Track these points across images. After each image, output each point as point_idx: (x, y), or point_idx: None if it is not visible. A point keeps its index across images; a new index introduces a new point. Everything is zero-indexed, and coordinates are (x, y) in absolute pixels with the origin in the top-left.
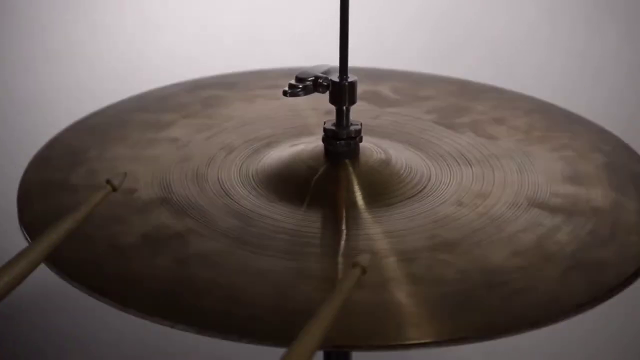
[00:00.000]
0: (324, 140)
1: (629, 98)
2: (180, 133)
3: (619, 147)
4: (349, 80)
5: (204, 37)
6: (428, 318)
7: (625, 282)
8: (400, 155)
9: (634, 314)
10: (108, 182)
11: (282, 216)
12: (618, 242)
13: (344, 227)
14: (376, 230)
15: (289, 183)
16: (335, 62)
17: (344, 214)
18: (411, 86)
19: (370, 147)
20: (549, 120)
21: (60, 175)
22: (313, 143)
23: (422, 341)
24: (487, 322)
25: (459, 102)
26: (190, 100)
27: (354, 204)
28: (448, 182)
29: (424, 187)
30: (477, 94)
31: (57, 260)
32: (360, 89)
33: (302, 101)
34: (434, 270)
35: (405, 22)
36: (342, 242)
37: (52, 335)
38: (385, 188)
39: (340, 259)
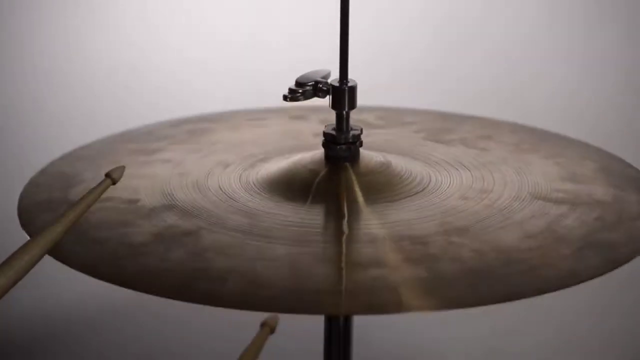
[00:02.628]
0: (324, 145)
1: (629, 98)
2: (172, 155)
3: (608, 159)
4: (349, 84)
5: (201, 39)
6: (448, 289)
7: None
8: (399, 161)
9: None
10: (107, 175)
11: (288, 212)
12: (625, 226)
13: (345, 219)
14: (385, 220)
15: (290, 186)
16: (334, 65)
17: (345, 208)
18: (394, 115)
19: (370, 152)
20: (535, 137)
21: (59, 194)
22: (312, 150)
23: (442, 308)
24: (509, 292)
25: (444, 125)
26: (175, 133)
27: (355, 200)
28: (449, 182)
29: (426, 187)
30: (459, 120)
31: (71, 259)
32: None
33: (289, 125)
34: (449, 251)
35: (405, 23)
36: (346, 232)
37: (59, 337)
38: (387, 187)
39: (344, 246)
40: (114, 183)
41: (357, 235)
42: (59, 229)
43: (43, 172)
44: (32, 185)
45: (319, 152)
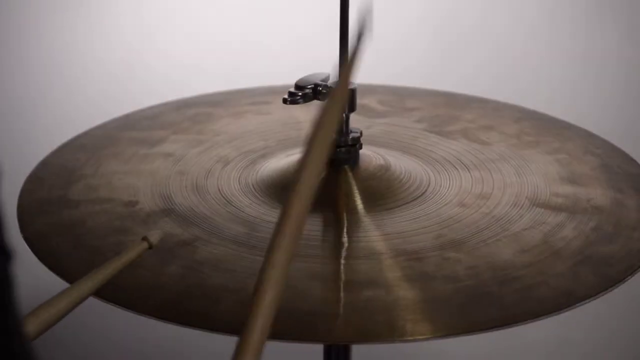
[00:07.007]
0: None
1: (629, 98)
2: (173, 148)
3: (610, 150)
4: (349, 87)
5: (200, 42)
6: (442, 314)
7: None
8: (398, 162)
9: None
10: (144, 238)
11: None
12: (622, 238)
13: (345, 230)
14: (381, 232)
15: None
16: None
17: (345, 218)
18: (396, 98)
19: (369, 154)
20: (537, 127)
21: (59, 192)
22: None
23: (436, 335)
24: (503, 316)
25: (446, 112)
26: (178, 118)
27: (354, 208)
28: (448, 185)
29: (425, 191)
30: (462, 104)
31: (65, 271)
32: None
33: (291, 114)
34: (444, 268)
35: (406, 25)
36: (345, 245)
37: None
38: (386, 193)
39: (343, 261)
40: (150, 247)
41: (356, 249)
42: (90, 284)
43: (44, 164)
44: (33, 180)
45: None
